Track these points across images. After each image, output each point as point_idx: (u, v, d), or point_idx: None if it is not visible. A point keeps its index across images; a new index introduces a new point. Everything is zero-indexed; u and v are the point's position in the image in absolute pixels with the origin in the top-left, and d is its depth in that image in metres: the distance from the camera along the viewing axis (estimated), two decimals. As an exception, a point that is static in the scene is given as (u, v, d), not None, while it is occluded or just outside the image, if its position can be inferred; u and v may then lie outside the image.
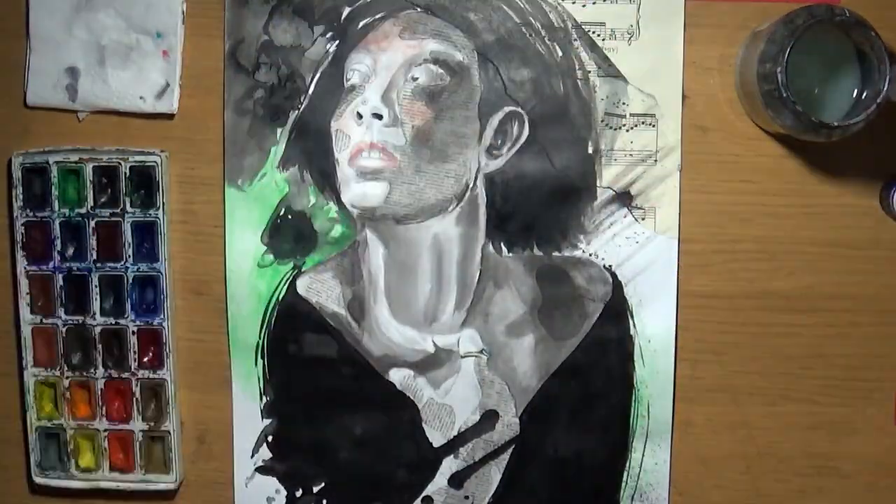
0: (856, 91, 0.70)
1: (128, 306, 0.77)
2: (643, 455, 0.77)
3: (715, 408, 0.77)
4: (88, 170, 0.76)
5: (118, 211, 0.76)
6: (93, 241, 0.77)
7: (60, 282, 0.77)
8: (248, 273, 0.77)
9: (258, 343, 0.78)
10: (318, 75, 0.76)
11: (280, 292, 0.78)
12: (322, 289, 0.77)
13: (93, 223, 0.77)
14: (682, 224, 0.76)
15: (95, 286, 0.77)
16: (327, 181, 0.77)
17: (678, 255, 0.76)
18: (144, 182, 0.76)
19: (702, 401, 0.77)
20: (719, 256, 0.76)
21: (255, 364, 0.78)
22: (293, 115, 0.76)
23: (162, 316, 0.77)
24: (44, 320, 0.78)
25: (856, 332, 0.76)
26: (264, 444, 0.79)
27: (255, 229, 0.77)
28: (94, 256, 0.77)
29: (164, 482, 0.78)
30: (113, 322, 0.77)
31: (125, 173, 0.76)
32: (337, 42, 0.76)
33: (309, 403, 0.78)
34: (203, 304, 0.79)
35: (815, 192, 0.76)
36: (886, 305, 0.76)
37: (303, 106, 0.76)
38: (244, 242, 0.77)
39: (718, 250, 0.76)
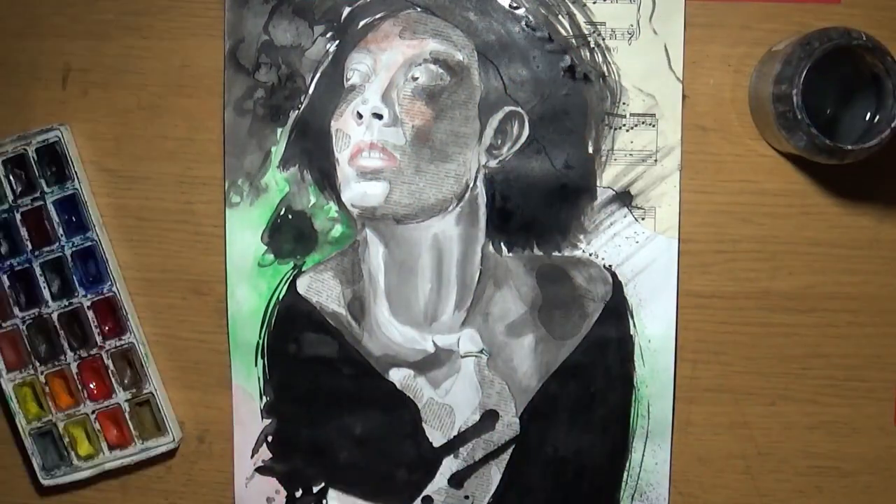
0: (869, 114, 0.70)
1: (75, 283, 0.77)
2: (643, 455, 0.77)
3: (715, 408, 0.77)
4: None
5: (38, 195, 0.77)
6: (24, 232, 0.77)
7: (7, 281, 0.77)
8: (249, 273, 0.78)
9: (258, 343, 0.78)
10: (318, 75, 0.76)
11: (280, 292, 0.78)
12: (322, 288, 0.77)
13: (19, 215, 0.77)
14: (682, 224, 0.76)
15: (40, 275, 0.77)
16: (327, 181, 0.77)
17: (678, 255, 0.76)
18: (54, 159, 0.77)
19: (702, 401, 0.77)
20: (719, 256, 0.76)
21: (255, 364, 0.78)
22: (293, 115, 0.76)
23: (109, 282, 0.77)
24: (3, 324, 0.78)
25: (856, 332, 0.76)
26: (264, 444, 0.79)
27: (256, 229, 0.77)
28: (30, 246, 0.77)
29: (163, 444, 0.78)
30: (66, 303, 0.77)
31: (33, 157, 0.77)
32: (337, 42, 0.76)
33: (309, 403, 0.78)
34: (203, 304, 0.79)
35: (815, 192, 0.76)
36: (886, 305, 0.76)
37: (303, 106, 0.76)
38: (244, 242, 0.77)
39: (718, 250, 0.76)
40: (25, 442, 0.78)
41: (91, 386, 0.78)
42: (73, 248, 0.77)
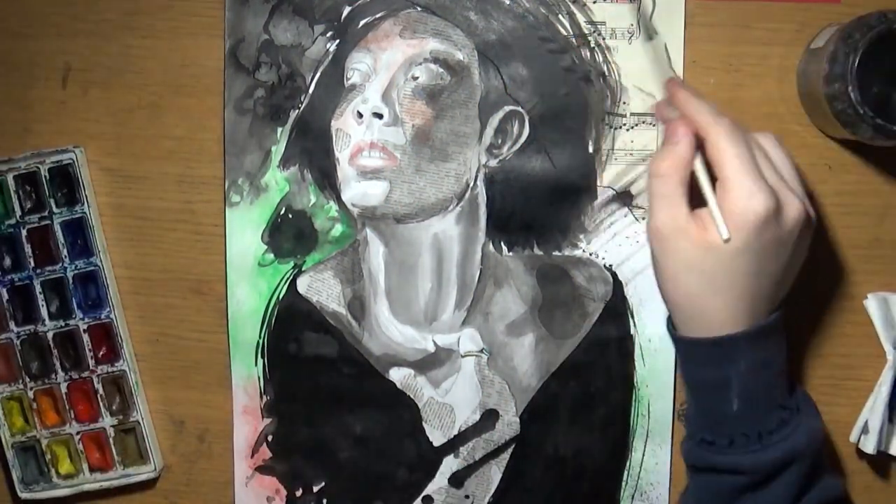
0: None
1: (74, 305, 0.78)
2: (643, 454, 0.77)
3: (715, 408, 0.77)
4: (10, 180, 0.77)
5: (46, 214, 0.77)
6: (28, 249, 0.77)
7: (6, 295, 0.78)
8: (249, 272, 0.78)
9: (258, 342, 0.78)
10: (318, 74, 0.76)
11: (280, 291, 0.78)
12: (322, 288, 0.77)
13: (25, 231, 0.77)
14: (683, 224, 0.76)
15: (39, 293, 0.78)
16: (327, 180, 0.77)
17: (678, 254, 0.76)
18: (66, 181, 0.77)
19: (702, 400, 0.77)
20: (719, 256, 0.76)
21: (255, 364, 0.78)
22: (293, 115, 0.76)
23: (108, 308, 0.77)
24: None
25: (856, 331, 0.76)
26: (264, 444, 0.79)
27: (256, 228, 0.77)
28: (33, 264, 0.77)
29: (144, 473, 0.78)
30: (63, 324, 0.78)
31: (45, 176, 0.77)
32: (337, 41, 0.76)
33: (309, 403, 0.78)
34: (203, 304, 0.79)
35: (816, 192, 0.76)
36: (886, 305, 0.76)
37: (303, 105, 0.76)
38: (244, 242, 0.77)
39: (718, 250, 0.76)
40: (7, 454, 0.78)
41: (78, 408, 0.78)
42: (76, 271, 0.77)
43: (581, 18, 0.75)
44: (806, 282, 0.76)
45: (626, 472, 0.77)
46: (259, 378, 0.78)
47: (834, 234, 0.76)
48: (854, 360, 0.77)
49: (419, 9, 0.75)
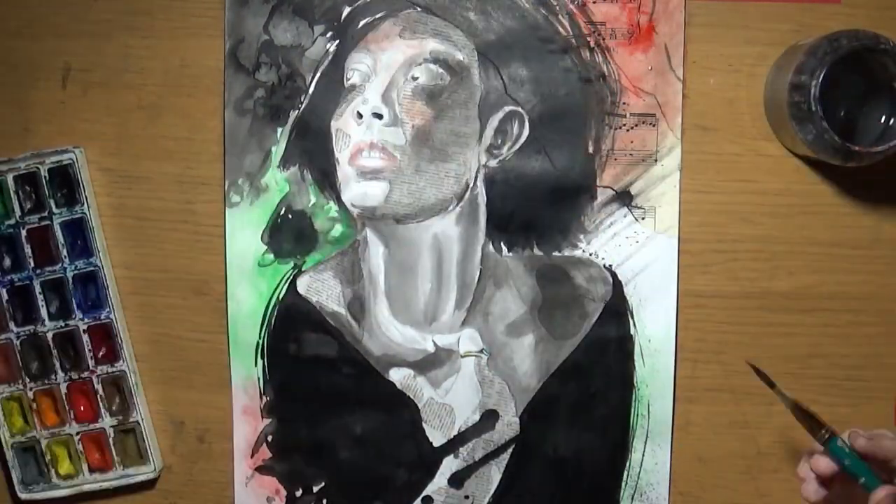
0: (883, 118, 0.70)
1: (73, 306, 0.77)
2: (643, 455, 0.77)
3: (715, 408, 0.77)
4: (10, 180, 0.77)
5: (46, 214, 0.77)
6: (28, 250, 0.77)
7: (5, 295, 0.78)
8: (249, 272, 0.78)
9: (258, 343, 0.78)
10: (318, 75, 0.76)
11: (280, 292, 0.78)
12: (322, 288, 0.77)
13: (25, 232, 0.77)
14: (682, 224, 0.76)
15: (39, 293, 0.77)
16: (327, 180, 0.77)
17: (678, 254, 0.76)
18: (66, 181, 0.77)
19: (702, 401, 0.77)
20: (719, 256, 0.76)
21: (255, 364, 0.78)
22: (293, 115, 0.76)
23: (108, 308, 0.77)
24: None
25: (856, 332, 0.76)
26: (264, 444, 0.79)
27: (256, 229, 0.77)
28: (32, 264, 0.77)
29: (143, 473, 0.78)
30: (63, 325, 0.78)
31: (45, 177, 0.77)
32: (337, 41, 0.76)
33: (309, 403, 0.78)
34: (203, 304, 0.79)
35: (816, 192, 0.76)
36: (886, 305, 0.76)
37: (303, 105, 0.76)
38: (244, 242, 0.77)
39: (718, 250, 0.76)
40: (7, 454, 0.79)
41: (78, 408, 0.78)
42: (76, 272, 0.77)
43: (581, 19, 0.75)
44: (807, 282, 0.76)
45: (625, 473, 0.77)
46: (259, 378, 0.78)
47: (834, 234, 0.76)
48: (854, 360, 0.77)
49: (419, 9, 0.75)
